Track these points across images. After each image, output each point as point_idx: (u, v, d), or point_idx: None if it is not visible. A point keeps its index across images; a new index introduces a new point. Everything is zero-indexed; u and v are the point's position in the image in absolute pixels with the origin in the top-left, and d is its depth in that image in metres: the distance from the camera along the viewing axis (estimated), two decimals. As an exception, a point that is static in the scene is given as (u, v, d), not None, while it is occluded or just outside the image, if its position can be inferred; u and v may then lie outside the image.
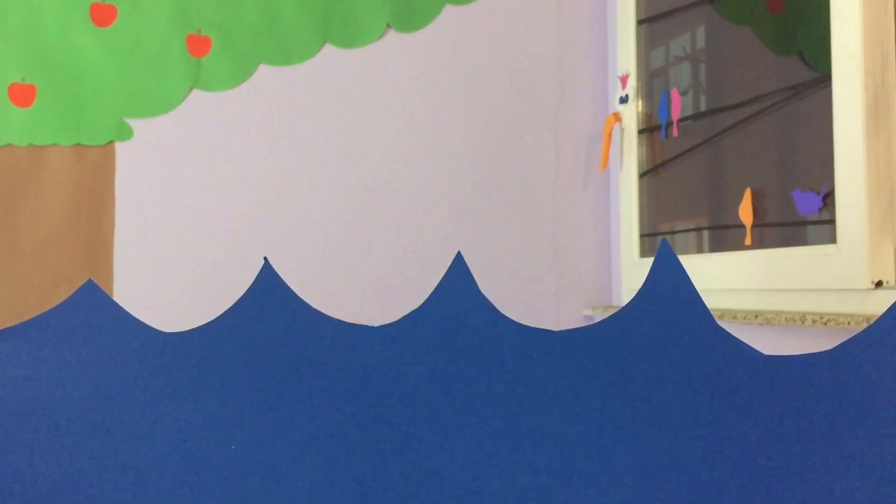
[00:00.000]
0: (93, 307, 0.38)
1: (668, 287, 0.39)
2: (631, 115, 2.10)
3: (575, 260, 2.17)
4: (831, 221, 1.45)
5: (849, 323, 1.31)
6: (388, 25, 2.09)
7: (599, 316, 2.12)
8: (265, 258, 0.37)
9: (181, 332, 0.38)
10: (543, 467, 0.39)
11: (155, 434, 0.38)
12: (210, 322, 0.39)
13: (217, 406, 0.38)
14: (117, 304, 0.39)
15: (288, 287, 0.38)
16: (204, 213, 2.00)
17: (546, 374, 0.39)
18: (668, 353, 0.40)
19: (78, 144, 1.97)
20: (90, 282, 0.38)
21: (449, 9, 2.12)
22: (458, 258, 0.38)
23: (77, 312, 0.38)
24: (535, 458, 0.39)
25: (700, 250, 1.94)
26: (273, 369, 0.38)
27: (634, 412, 0.40)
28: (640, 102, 2.10)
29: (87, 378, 0.38)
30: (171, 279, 1.97)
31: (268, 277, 0.38)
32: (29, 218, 1.94)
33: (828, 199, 1.47)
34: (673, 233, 2.04)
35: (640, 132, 2.09)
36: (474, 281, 0.38)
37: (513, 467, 0.39)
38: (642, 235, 2.07)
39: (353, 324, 0.39)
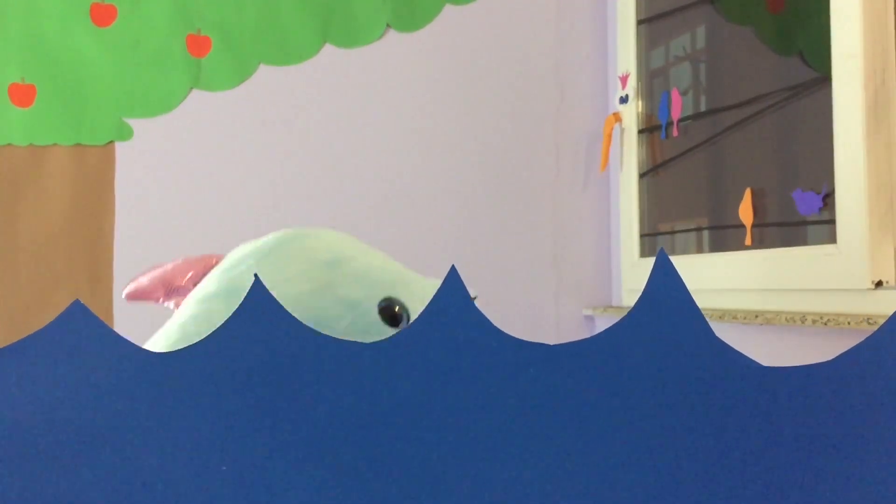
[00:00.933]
0: (81, 328, 0.38)
1: (665, 299, 0.39)
2: (631, 115, 2.10)
3: (575, 260, 2.17)
4: (831, 221, 1.44)
5: (849, 323, 1.31)
6: (388, 25, 2.09)
7: (599, 316, 2.12)
8: (255, 275, 0.37)
9: (171, 352, 0.38)
10: (540, 483, 0.39)
11: (145, 456, 0.38)
12: (200, 341, 0.38)
13: (208, 426, 0.38)
14: (106, 325, 0.38)
15: (279, 304, 0.38)
16: (204, 212, 2.00)
17: (542, 388, 0.39)
18: (666, 365, 0.39)
19: (78, 144, 1.97)
20: (77, 302, 0.38)
21: (449, 9, 2.12)
22: (452, 272, 0.38)
23: (65, 333, 0.38)
24: (531, 474, 0.39)
25: (700, 250, 1.93)
26: (263, 388, 0.38)
27: (632, 426, 0.40)
28: (640, 102, 2.09)
29: (75, 400, 0.38)
30: (171, 279, 1.97)
31: (258, 295, 0.38)
32: (29, 218, 1.94)
33: (828, 199, 1.47)
34: (673, 233, 2.04)
35: (640, 132, 2.09)
36: (468, 294, 0.37)
37: (510, 484, 0.39)
38: (642, 235, 2.07)
39: (345, 340, 0.39)
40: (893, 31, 1.39)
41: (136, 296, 0.92)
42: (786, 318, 1.44)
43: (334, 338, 0.39)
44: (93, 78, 1.98)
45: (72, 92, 1.97)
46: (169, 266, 0.93)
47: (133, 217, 1.98)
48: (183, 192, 2.00)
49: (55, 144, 1.96)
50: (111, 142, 1.99)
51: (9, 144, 1.94)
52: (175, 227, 1.99)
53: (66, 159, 1.96)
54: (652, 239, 2.07)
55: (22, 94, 1.95)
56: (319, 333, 0.38)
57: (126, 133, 1.99)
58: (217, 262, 0.87)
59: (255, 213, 2.02)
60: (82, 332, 0.38)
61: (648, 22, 2.08)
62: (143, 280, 0.92)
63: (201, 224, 1.99)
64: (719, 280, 1.72)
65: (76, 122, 1.97)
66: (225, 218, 2.00)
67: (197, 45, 2.02)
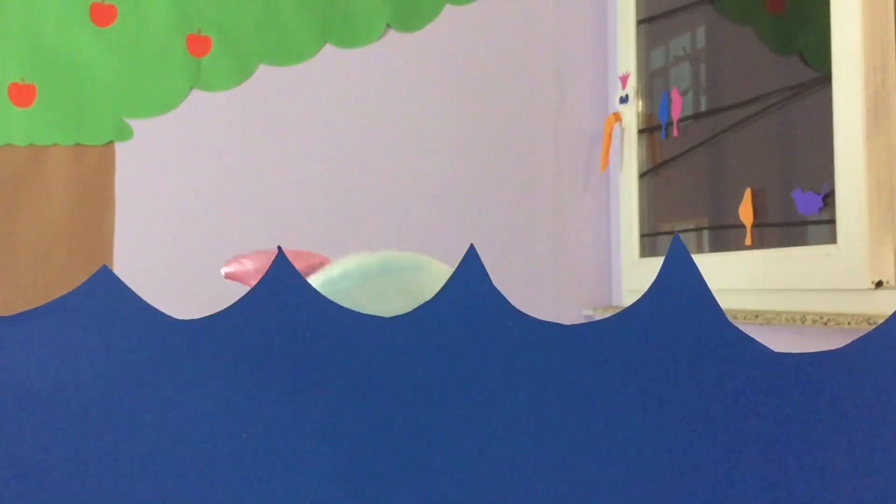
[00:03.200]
0: (107, 293, 0.38)
1: (679, 283, 0.39)
2: (631, 115, 2.10)
3: (575, 260, 2.17)
4: (831, 221, 1.45)
5: (849, 323, 1.31)
6: (388, 25, 2.09)
7: (599, 316, 2.12)
8: (279, 247, 0.38)
9: (194, 320, 0.39)
10: (552, 463, 0.39)
11: (166, 420, 0.39)
12: (223, 310, 0.39)
13: (228, 394, 0.39)
14: (131, 290, 0.39)
15: (301, 276, 0.38)
16: (204, 212, 2.00)
17: (556, 368, 0.39)
18: (679, 349, 0.40)
19: (78, 144, 1.97)
20: (105, 268, 0.38)
21: (449, 9, 2.12)
22: (471, 251, 0.39)
23: (91, 298, 0.38)
24: (544, 454, 0.39)
25: (700, 250, 1.94)
26: (284, 358, 0.39)
27: (645, 408, 0.40)
28: (640, 102, 2.10)
29: (99, 363, 0.38)
30: (171, 279, 1.97)
31: (281, 266, 0.38)
32: (29, 218, 1.94)
33: (828, 199, 1.47)
34: (673, 233, 2.04)
35: (640, 132, 2.09)
36: (487, 274, 0.38)
37: (522, 462, 0.39)
38: (642, 235, 2.07)
39: (365, 315, 0.39)
40: (893, 31, 1.39)
41: (235, 277, 0.88)
42: (786, 318, 1.44)
43: (355, 311, 0.39)
44: (93, 78, 1.98)
45: (72, 92, 1.97)
46: (271, 254, 0.89)
47: (133, 217, 1.98)
48: (183, 192, 2.00)
49: (55, 144, 1.96)
50: (111, 142, 1.98)
51: (9, 144, 1.94)
52: (175, 227, 1.99)
53: (66, 159, 1.96)
54: (652, 239, 2.07)
55: (22, 94, 1.95)
56: (340, 306, 0.39)
57: (126, 133, 1.99)
58: (321, 263, 0.83)
59: (256, 214, 2.02)
60: (108, 297, 0.38)
61: (648, 22, 2.08)
62: (248, 263, 0.88)
63: (201, 224, 1.99)
64: (719, 280, 1.72)
65: (76, 122, 1.97)
66: (225, 218, 2.00)
67: (197, 45, 2.02)
